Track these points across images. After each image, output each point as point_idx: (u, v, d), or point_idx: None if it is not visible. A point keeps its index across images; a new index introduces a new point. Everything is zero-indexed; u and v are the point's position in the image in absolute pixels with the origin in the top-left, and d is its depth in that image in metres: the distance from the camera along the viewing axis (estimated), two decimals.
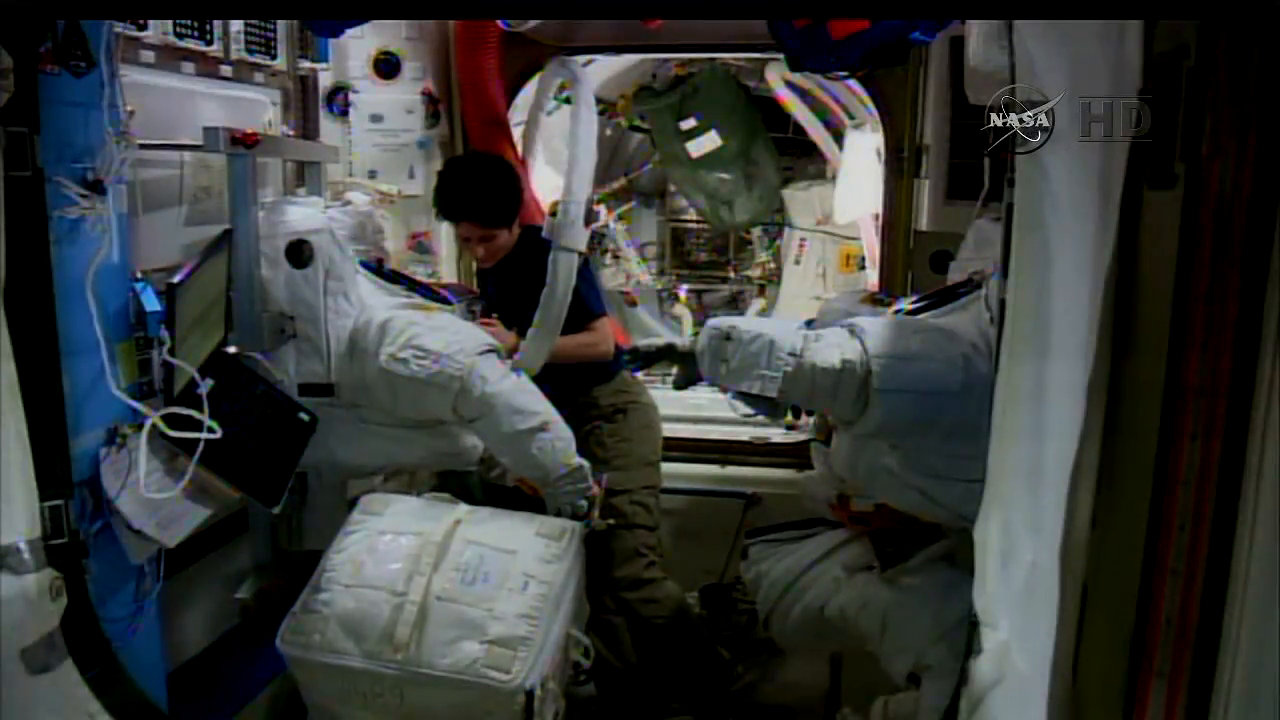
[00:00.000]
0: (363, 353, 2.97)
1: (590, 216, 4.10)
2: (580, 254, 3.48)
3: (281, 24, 3.45)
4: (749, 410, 2.68)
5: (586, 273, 3.63)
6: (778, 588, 2.98)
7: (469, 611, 2.49)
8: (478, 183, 3.46)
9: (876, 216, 4.57)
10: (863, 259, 5.31)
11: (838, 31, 2.34)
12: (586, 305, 3.58)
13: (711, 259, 6.31)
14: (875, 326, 2.51)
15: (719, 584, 4.04)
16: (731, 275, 6.30)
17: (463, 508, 2.84)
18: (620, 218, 6.15)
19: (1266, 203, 1.44)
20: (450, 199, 3.47)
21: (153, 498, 2.30)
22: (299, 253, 2.94)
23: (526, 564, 2.60)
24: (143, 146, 2.46)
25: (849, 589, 2.81)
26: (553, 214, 4.05)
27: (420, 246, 4.31)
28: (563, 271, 3.42)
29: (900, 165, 4.10)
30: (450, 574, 2.57)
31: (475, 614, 2.48)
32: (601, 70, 5.14)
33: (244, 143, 2.79)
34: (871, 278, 4.81)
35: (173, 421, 2.34)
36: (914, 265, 3.95)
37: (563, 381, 3.46)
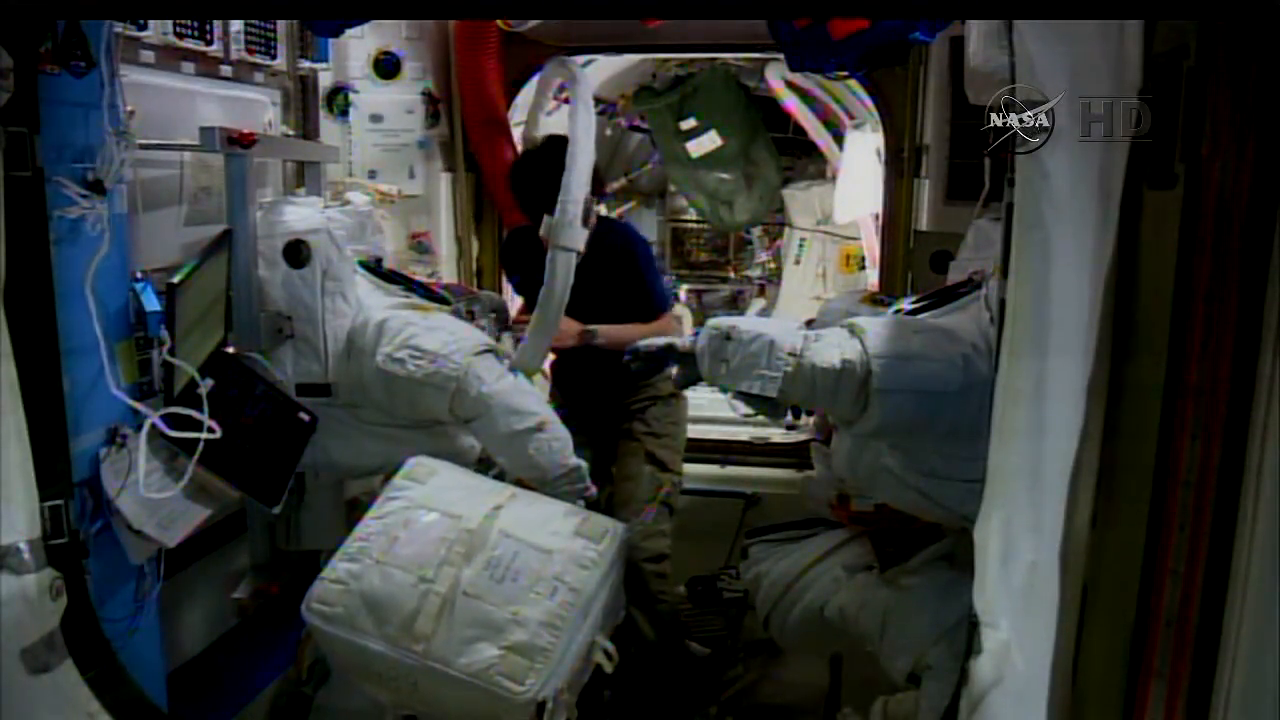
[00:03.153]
0: (360, 353, 2.97)
1: (589, 216, 4.11)
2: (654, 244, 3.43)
3: (281, 24, 3.45)
4: (749, 410, 2.68)
5: (654, 265, 3.55)
6: (778, 588, 2.97)
7: (493, 613, 2.43)
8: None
9: (876, 216, 4.58)
10: (863, 259, 5.31)
11: (838, 31, 2.34)
12: (654, 298, 3.55)
13: (711, 259, 6.31)
14: (875, 326, 2.51)
15: (705, 576, 4.04)
16: (731, 275, 6.30)
17: (506, 490, 2.77)
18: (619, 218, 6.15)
19: (1266, 203, 1.44)
20: (543, 191, 3.34)
21: (153, 498, 2.30)
22: (297, 253, 2.94)
23: (560, 567, 2.52)
24: (143, 146, 2.46)
25: (849, 589, 2.81)
26: (551, 214, 4.05)
27: (420, 246, 4.31)
28: (560, 272, 3.41)
29: (900, 165, 4.10)
30: (481, 568, 2.50)
31: (498, 616, 2.42)
32: (601, 70, 5.15)
33: (241, 142, 2.79)
34: (871, 278, 4.82)
35: (172, 422, 2.34)
36: (914, 265, 3.95)
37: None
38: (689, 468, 4.38)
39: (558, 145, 3.41)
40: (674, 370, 2.76)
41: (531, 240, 3.52)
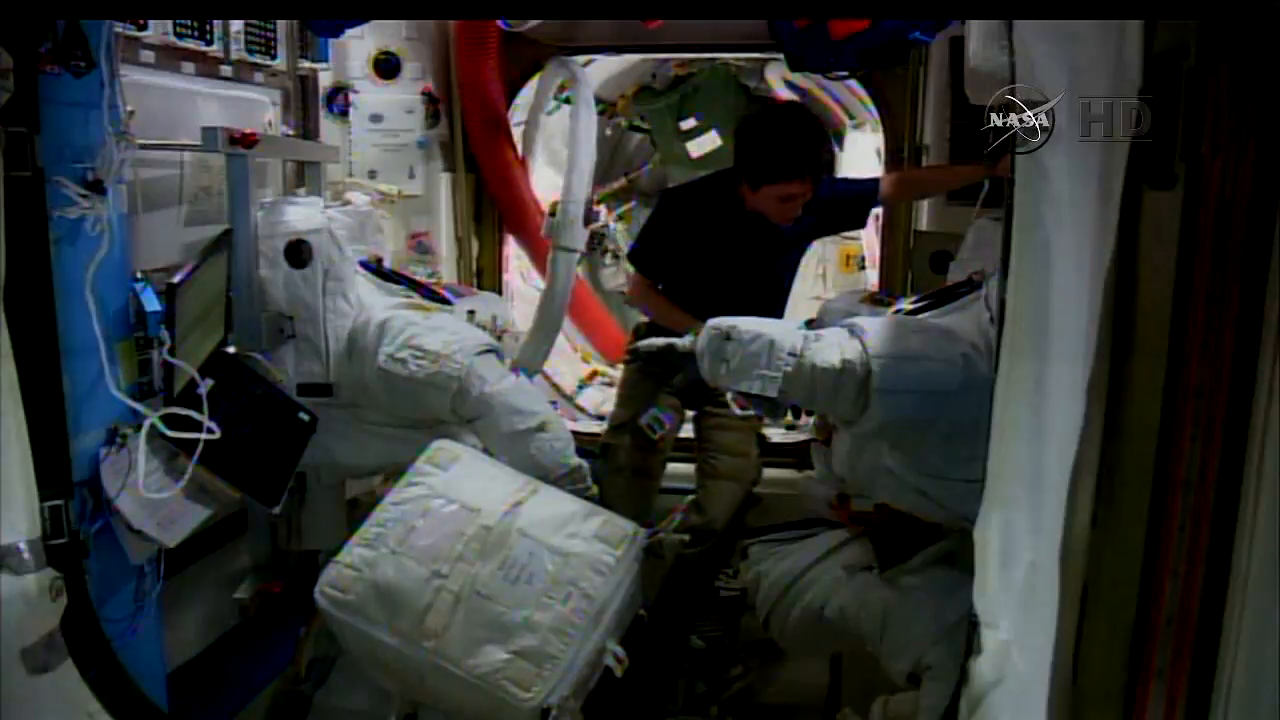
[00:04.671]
0: (361, 353, 2.97)
1: (589, 216, 4.10)
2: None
3: (281, 24, 3.45)
4: (749, 410, 2.68)
5: (836, 180, 3.39)
6: (778, 588, 2.97)
7: (505, 615, 2.41)
8: (813, 128, 3.16)
9: (876, 216, 4.57)
10: (863, 259, 5.31)
11: (838, 31, 2.35)
12: (864, 185, 3.48)
13: None
14: (875, 326, 2.51)
15: None
16: None
17: (529, 484, 2.73)
18: (620, 218, 6.15)
19: (1266, 203, 1.44)
20: (800, 153, 3.10)
21: (153, 498, 2.30)
22: (298, 253, 2.94)
23: (576, 571, 2.48)
24: (143, 146, 2.46)
25: (849, 589, 2.81)
26: (552, 214, 4.05)
27: (420, 246, 4.31)
28: (561, 271, 3.42)
29: (900, 165, 4.10)
30: (496, 568, 2.47)
31: (510, 619, 2.40)
32: (601, 70, 5.15)
33: (242, 143, 2.79)
34: (871, 278, 4.82)
35: (172, 422, 2.34)
36: (914, 265, 3.95)
37: None
38: (689, 468, 4.39)
39: (798, 112, 3.23)
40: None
41: (715, 200, 3.31)
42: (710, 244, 3.32)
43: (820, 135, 3.17)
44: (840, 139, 5.21)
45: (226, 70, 3.16)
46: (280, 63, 3.49)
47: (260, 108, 3.43)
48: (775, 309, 3.48)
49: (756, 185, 3.15)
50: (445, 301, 3.32)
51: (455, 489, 2.66)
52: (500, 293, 4.54)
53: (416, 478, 2.71)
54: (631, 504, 3.26)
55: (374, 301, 3.10)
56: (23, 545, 1.96)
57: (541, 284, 4.27)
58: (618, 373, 5.36)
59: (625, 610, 2.63)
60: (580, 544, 2.55)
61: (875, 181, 3.54)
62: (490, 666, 2.37)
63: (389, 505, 2.64)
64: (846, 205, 3.45)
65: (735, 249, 3.33)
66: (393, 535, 2.55)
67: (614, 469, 3.37)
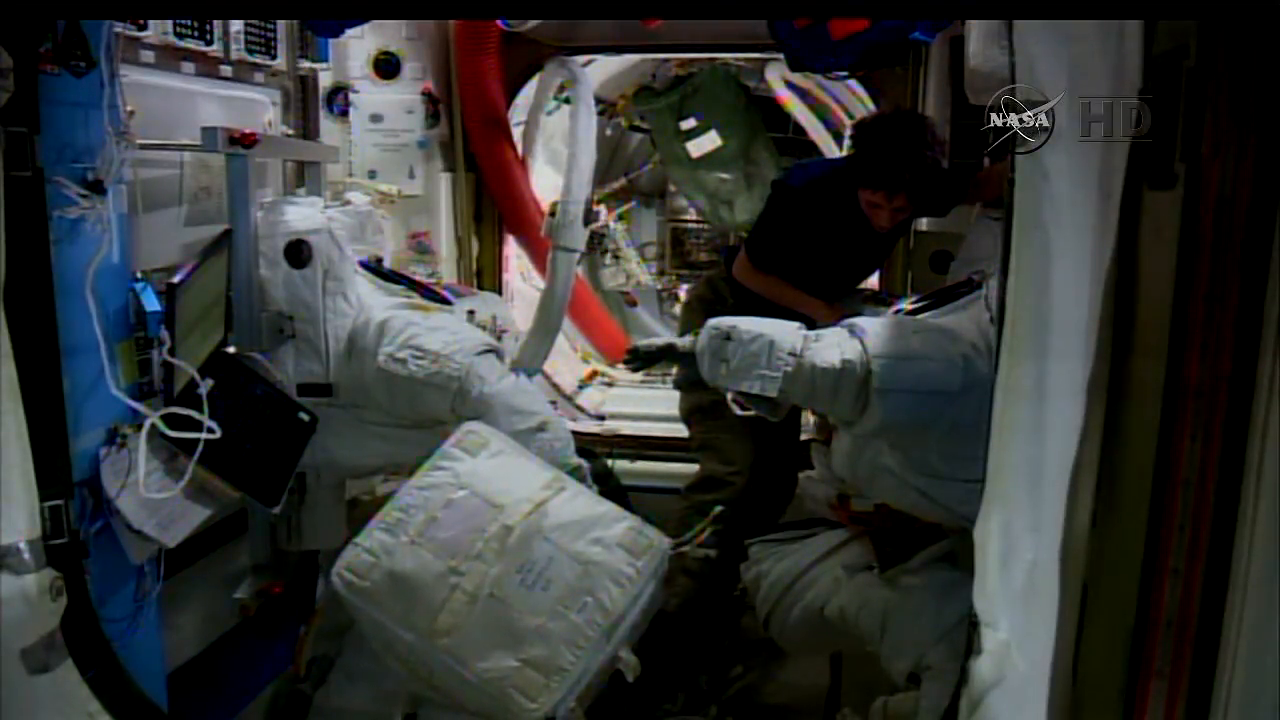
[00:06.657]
0: (361, 353, 2.97)
1: (590, 216, 4.11)
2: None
3: (281, 24, 3.45)
4: (749, 410, 2.68)
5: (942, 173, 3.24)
6: (778, 588, 2.97)
7: (517, 621, 2.38)
8: (914, 150, 2.96)
9: None
10: None
11: (838, 31, 2.35)
12: (956, 183, 3.29)
13: (711, 259, 6.31)
14: (875, 326, 2.51)
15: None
16: None
17: (556, 481, 2.66)
18: (620, 218, 6.16)
19: (1266, 203, 1.44)
20: (890, 167, 2.97)
21: (153, 498, 2.31)
22: (298, 253, 2.94)
23: (595, 581, 2.43)
24: (143, 146, 2.46)
25: (849, 589, 2.81)
26: (551, 214, 4.05)
27: (420, 246, 4.32)
28: (561, 271, 3.41)
29: None
30: (513, 571, 2.43)
31: (522, 625, 2.37)
32: (601, 70, 5.16)
33: (242, 143, 2.79)
34: (871, 278, 4.82)
35: (172, 421, 2.34)
36: (914, 265, 3.95)
37: None
38: (689, 468, 4.38)
39: (911, 128, 3.03)
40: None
41: (833, 188, 3.19)
42: (822, 230, 3.24)
43: (920, 159, 2.97)
44: (840, 139, 5.21)
45: (226, 70, 3.16)
46: (280, 63, 3.49)
47: (260, 108, 3.43)
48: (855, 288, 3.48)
49: (853, 185, 3.08)
50: (445, 301, 3.32)
51: (480, 480, 2.60)
52: (500, 293, 4.54)
53: (444, 461, 2.66)
54: (750, 459, 3.30)
55: (374, 301, 3.10)
56: (23, 545, 1.97)
57: (541, 284, 4.28)
58: (618, 373, 5.38)
59: (641, 620, 2.57)
60: (601, 552, 2.49)
61: (967, 181, 3.35)
62: (498, 672, 2.34)
63: (413, 489, 2.60)
64: (938, 196, 3.28)
65: (842, 237, 3.24)
66: (413, 524, 2.52)
67: (726, 426, 3.28)
